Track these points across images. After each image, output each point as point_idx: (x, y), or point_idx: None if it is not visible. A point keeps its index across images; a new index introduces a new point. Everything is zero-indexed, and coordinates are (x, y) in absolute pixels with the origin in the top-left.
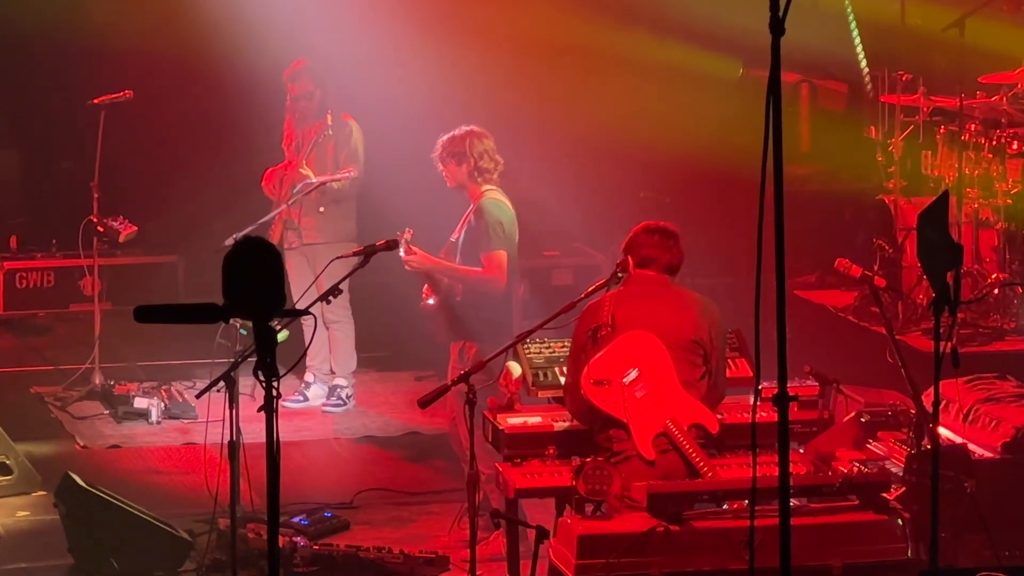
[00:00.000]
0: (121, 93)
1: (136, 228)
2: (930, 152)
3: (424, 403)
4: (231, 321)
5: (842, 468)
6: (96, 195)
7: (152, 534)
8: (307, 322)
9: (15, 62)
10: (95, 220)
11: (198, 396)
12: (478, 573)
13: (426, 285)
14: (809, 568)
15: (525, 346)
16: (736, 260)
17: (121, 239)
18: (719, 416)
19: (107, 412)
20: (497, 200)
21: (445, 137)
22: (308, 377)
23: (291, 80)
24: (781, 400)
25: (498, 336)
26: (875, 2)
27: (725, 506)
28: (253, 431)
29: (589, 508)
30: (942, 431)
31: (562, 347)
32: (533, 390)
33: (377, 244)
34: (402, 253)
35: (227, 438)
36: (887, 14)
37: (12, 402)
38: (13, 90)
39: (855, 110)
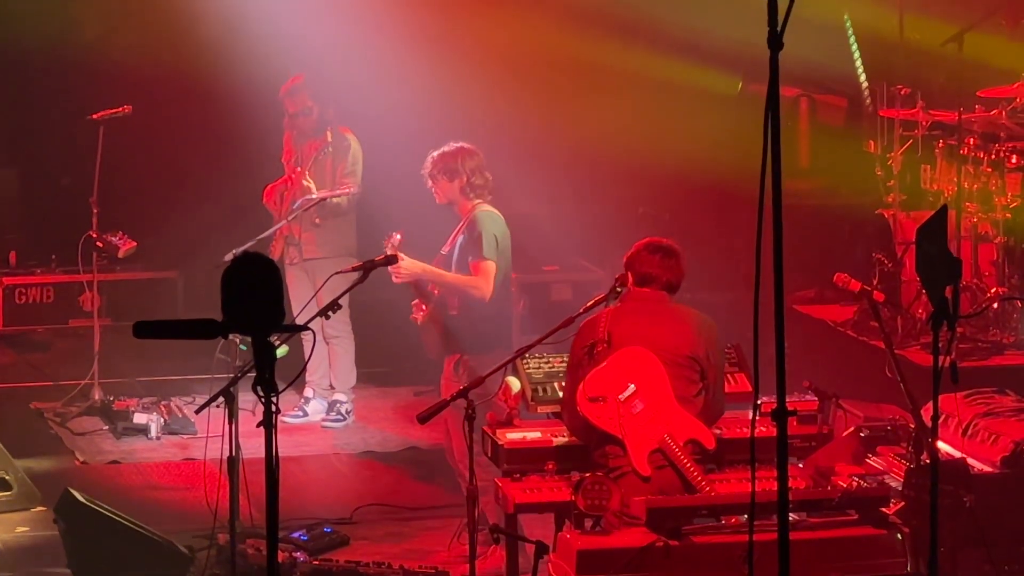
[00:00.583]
0: (120, 108)
1: (135, 244)
2: (929, 166)
3: (423, 418)
4: (230, 336)
5: (841, 483)
6: (95, 210)
7: (152, 550)
8: (307, 337)
9: (14, 78)
10: (94, 236)
11: (198, 411)
12: None
13: (416, 299)
14: None
15: (524, 361)
16: (735, 275)
17: (120, 254)
18: (716, 432)
19: (107, 428)
20: (492, 212)
21: (435, 154)
22: (308, 392)
23: (288, 96)
24: (780, 415)
25: (493, 349)
26: (874, 16)
27: (724, 521)
28: (252, 446)
29: (588, 523)
30: (941, 446)
31: (561, 362)
32: (532, 405)
33: (376, 259)
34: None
35: (227, 453)
36: (886, 28)
37: (12, 418)
38: (12, 106)
39: (854, 124)
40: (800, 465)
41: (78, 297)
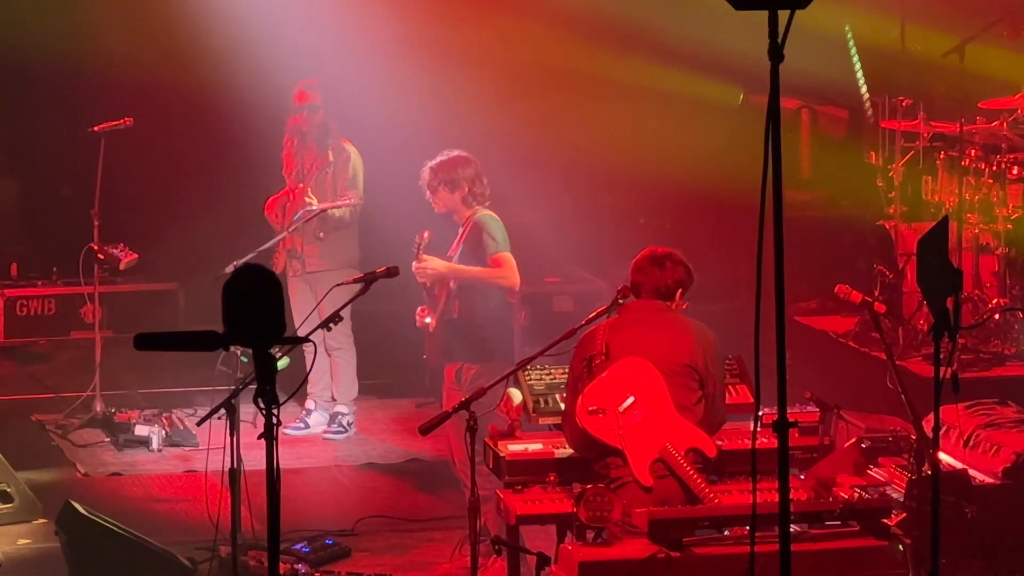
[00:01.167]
0: (121, 120)
1: (136, 255)
2: (930, 177)
3: (425, 430)
4: (232, 348)
5: (843, 494)
6: (96, 222)
7: (153, 562)
8: (308, 349)
9: (16, 89)
10: (95, 247)
11: (199, 423)
12: None
13: (421, 307)
14: None
15: (526, 373)
16: (736, 286)
17: (122, 266)
18: (718, 442)
19: (108, 440)
20: (492, 215)
21: (432, 164)
22: (309, 404)
23: (305, 87)
24: (781, 426)
25: (493, 358)
26: (875, 28)
27: (726, 532)
28: (254, 458)
29: (590, 534)
30: (943, 457)
31: (563, 374)
32: (534, 417)
33: (377, 271)
34: (414, 261)
35: (228, 465)
36: (887, 40)
37: (13, 430)
38: (14, 117)
39: (855, 136)
40: (801, 476)
41: (79, 309)
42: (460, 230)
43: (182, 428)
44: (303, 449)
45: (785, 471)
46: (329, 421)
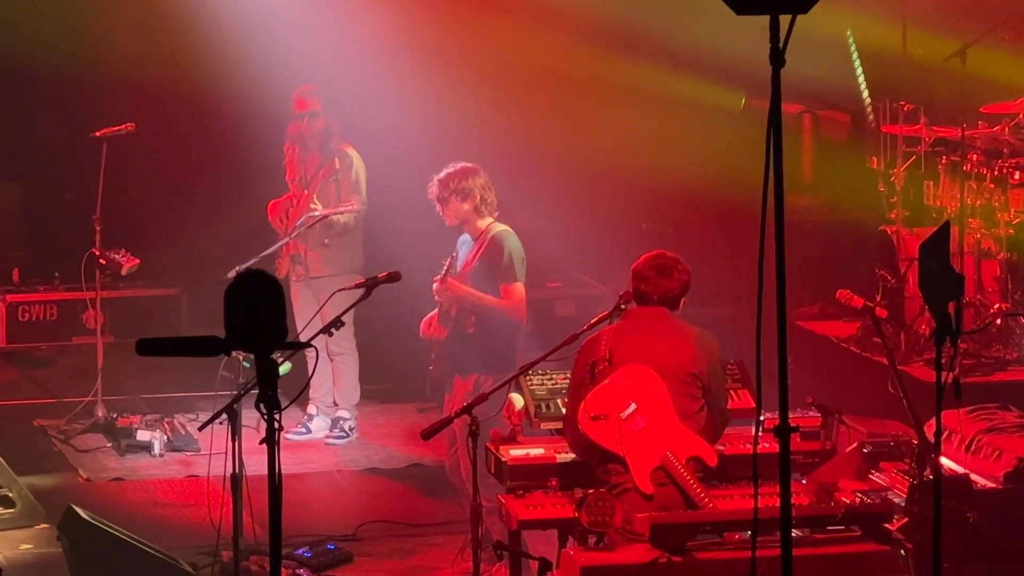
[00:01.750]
0: (123, 125)
1: (138, 261)
2: (932, 182)
3: (427, 435)
4: (234, 354)
5: (844, 499)
6: (98, 228)
7: (155, 567)
8: (310, 354)
9: (18, 94)
10: (97, 253)
11: (201, 429)
12: None
13: (427, 318)
14: None
15: (527, 378)
16: (738, 291)
17: (123, 272)
18: (719, 448)
19: (110, 445)
20: (509, 231)
21: (440, 176)
22: (311, 409)
23: (302, 95)
24: (783, 431)
25: (512, 368)
26: (877, 32)
27: (727, 537)
28: (256, 463)
29: (592, 540)
30: (944, 461)
31: (564, 379)
32: (535, 422)
33: (379, 276)
34: (438, 281)
35: (230, 470)
36: (889, 44)
37: (15, 435)
38: (16, 122)
39: (857, 140)
40: (803, 481)
41: (81, 314)
42: (475, 244)
43: (184, 433)
44: (305, 454)
45: (787, 476)
46: (331, 426)
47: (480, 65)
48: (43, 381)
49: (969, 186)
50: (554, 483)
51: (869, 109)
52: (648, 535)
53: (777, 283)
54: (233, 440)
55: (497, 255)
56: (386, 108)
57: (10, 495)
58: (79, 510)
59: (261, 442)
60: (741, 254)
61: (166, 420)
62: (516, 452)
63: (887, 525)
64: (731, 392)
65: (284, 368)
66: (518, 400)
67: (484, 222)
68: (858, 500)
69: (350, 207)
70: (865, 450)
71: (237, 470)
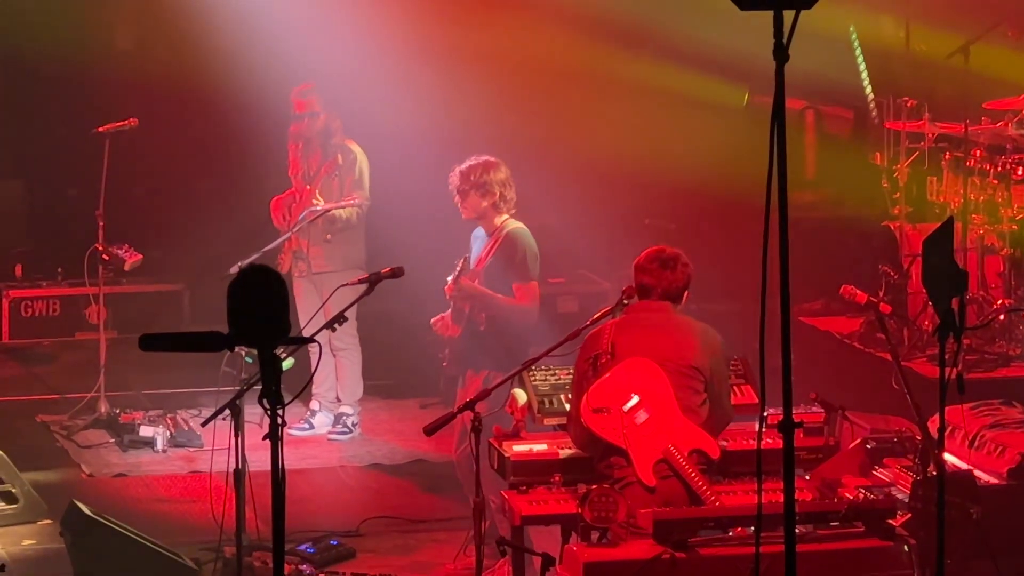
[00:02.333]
0: (126, 121)
1: (141, 256)
2: (935, 178)
3: (430, 431)
4: (237, 349)
5: (848, 494)
6: (101, 223)
7: (158, 563)
8: (313, 350)
9: (21, 90)
10: (100, 248)
11: (204, 424)
12: None
13: (439, 316)
14: None
15: (530, 373)
16: (741, 286)
17: (126, 267)
18: (722, 443)
19: (113, 440)
20: (523, 228)
21: (463, 168)
22: (314, 405)
23: (299, 96)
24: (786, 427)
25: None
26: (880, 28)
27: (731, 533)
28: (259, 459)
29: (595, 535)
30: (948, 457)
31: (567, 374)
32: (539, 417)
33: (382, 272)
34: (449, 279)
35: (233, 466)
36: (892, 40)
37: (18, 431)
38: (19, 118)
39: (860, 136)
40: (807, 477)
41: (84, 310)
42: (490, 240)
43: (187, 429)
44: (308, 450)
45: (790, 472)
46: (334, 422)
47: (482, 61)
48: (46, 377)
49: (972, 182)
50: (557, 479)
51: (872, 105)
52: (651, 531)
53: (781, 279)
54: (236, 436)
55: (511, 253)
56: (390, 104)
57: (13, 491)
58: (82, 506)
59: (264, 438)
60: (744, 250)
61: (169, 416)
62: (519, 448)
63: (890, 521)
64: (734, 388)
65: (287, 363)
66: (521, 396)
67: (500, 218)
68: (861, 496)
69: (352, 202)
70: (868, 446)
71: (240, 466)
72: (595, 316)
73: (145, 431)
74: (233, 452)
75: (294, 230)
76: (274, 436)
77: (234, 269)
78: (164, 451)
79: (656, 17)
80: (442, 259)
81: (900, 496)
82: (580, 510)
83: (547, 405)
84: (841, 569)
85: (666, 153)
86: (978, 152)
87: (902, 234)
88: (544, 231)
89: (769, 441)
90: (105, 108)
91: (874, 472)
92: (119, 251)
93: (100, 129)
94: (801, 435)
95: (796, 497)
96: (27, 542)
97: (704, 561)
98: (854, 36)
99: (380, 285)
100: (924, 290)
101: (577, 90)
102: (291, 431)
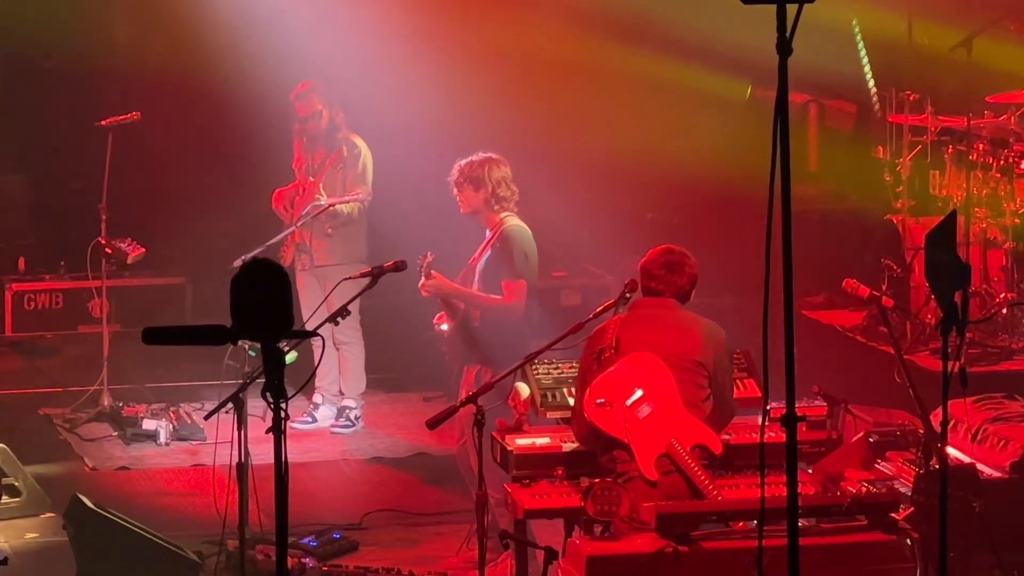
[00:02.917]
0: (128, 115)
1: (144, 250)
2: (938, 172)
3: (432, 424)
4: (239, 342)
5: (851, 488)
6: (104, 217)
7: (161, 556)
8: (316, 343)
9: (24, 84)
10: (103, 242)
11: (207, 417)
12: None
13: (439, 314)
14: None
15: (533, 367)
16: (744, 280)
17: (129, 261)
18: (725, 437)
19: (116, 434)
20: (521, 226)
21: (463, 162)
22: (317, 398)
23: (298, 100)
24: (789, 420)
25: (514, 361)
26: (883, 22)
27: (733, 527)
28: (262, 452)
29: (598, 529)
30: (950, 451)
31: (570, 368)
32: (541, 411)
33: (385, 265)
34: (421, 280)
35: (236, 459)
36: (895, 34)
37: (21, 424)
38: (21, 112)
39: (863, 130)
40: (809, 471)
41: (87, 303)
42: (487, 235)
43: (190, 422)
44: (311, 443)
45: (793, 465)
46: (337, 415)
47: (486, 56)
48: (49, 370)
49: (975, 175)
50: (560, 472)
51: (875, 98)
52: (654, 524)
53: (784, 273)
54: (239, 429)
55: (507, 248)
56: (393, 99)
57: (16, 484)
58: (85, 499)
59: (267, 431)
60: (747, 244)
61: (172, 409)
62: (522, 441)
63: (893, 514)
64: (737, 381)
65: (290, 357)
66: (524, 389)
67: (499, 216)
68: (864, 489)
69: (355, 196)
70: (871, 439)
71: (243, 459)
72: (598, 309)
73: (148, 424)
74: (236, 445)
75: (298, 224)
76: (277, 429)
77: (238, 263)
78: (167, 444)
79: (659, 11)
80: (444, 253)
81: (903, 490)
82: (583, 504)
83: (550, 399)
84: (844, 562)
85: (669, 147)
86: (981, 146)
87: (905, 228)
88: (547, 225)
89: (772, 434)
90: (108, 102)
91: (877, 466)
92: (122, 244)
93: (103, 123)
94: (804, 429)
95: (799, 491)
96: (30, 535)
97: (707, 555)
98: (857, 29)
99: (383, 279)
100: (927, 284)
101: (580, 84)
102: (294, 424)
